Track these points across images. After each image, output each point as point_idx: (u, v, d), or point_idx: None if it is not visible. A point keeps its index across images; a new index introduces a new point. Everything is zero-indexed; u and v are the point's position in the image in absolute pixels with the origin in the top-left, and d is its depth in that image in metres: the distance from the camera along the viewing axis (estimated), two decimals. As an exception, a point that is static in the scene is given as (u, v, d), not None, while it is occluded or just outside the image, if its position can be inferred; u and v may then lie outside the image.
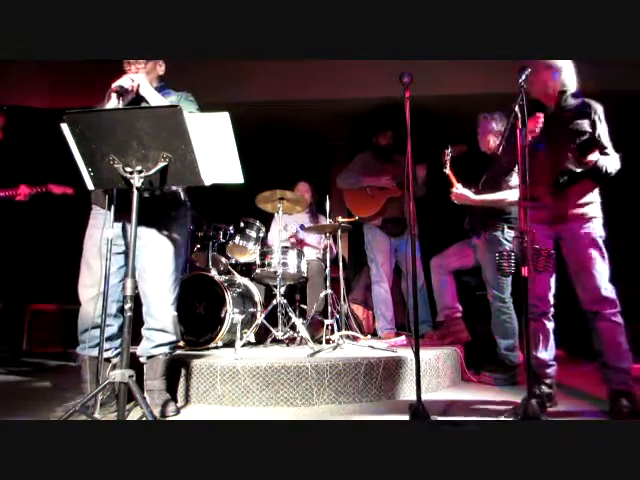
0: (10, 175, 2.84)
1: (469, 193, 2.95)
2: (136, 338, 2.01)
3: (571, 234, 2.16)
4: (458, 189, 2.97)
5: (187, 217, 2.28)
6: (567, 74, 2.21)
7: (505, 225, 2.94)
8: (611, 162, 2.10)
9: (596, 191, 2.20)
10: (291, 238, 4.01)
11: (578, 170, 2.12)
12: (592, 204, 2.17)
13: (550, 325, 2.22)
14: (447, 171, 3.11)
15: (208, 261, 3.52)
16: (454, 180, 3.04)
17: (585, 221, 2.15)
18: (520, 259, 1.87)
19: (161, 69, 2.21)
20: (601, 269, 2.11)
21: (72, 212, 2.88)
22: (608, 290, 2.10)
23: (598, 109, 2.18)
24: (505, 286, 3.00)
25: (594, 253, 2.12)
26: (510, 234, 2.89)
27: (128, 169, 1.68)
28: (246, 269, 3.92)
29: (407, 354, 2.57)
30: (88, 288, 2.06)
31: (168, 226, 2.15)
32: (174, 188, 2.13)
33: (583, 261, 2.12)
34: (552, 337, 2.23)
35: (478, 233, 3.12)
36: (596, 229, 2.14)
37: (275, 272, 3.24)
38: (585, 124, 2.15)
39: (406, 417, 1.82)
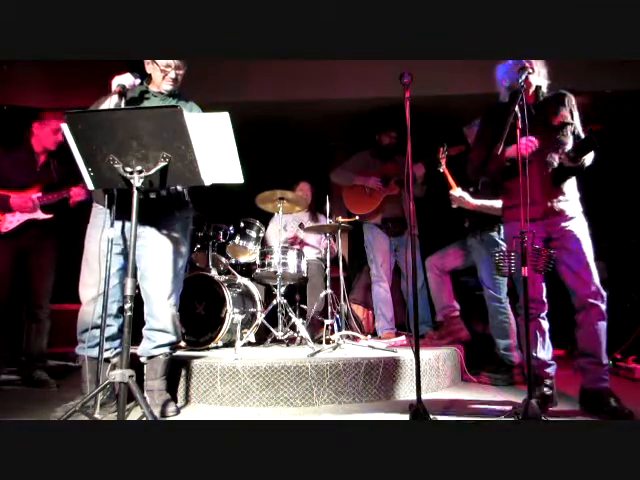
0: (71, 177, 2.89)
1: (467, 197, 2.96)
2: (136, 338, 2.01)
3: (565, 231, 2.17)
4: (457, 192, 2.98)
5: (190, 217, 2.29)
6: (541, 76, 2.25)
7: (501, 226, 2.94)
8: (590, 156, 2.17)
9: (576, 186, 2.26)
10: (290, 239, 4.01)
11: (568, 165, 2.16)
12: (576, 200, 2.24)
13: (545, 325, 2.23)
14: (442, 169, 3.11)
15: (208, 261, 3.52)
16: (453, 182, 3.04)
17: (575, 217, 2.19)
18: (520, 259, 1.87)
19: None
20: (593, 264, 2.15)
21: (72, 211, 2.88)
22: (599, 286, 2.13)
23: (572, 98, 2.27)
24: (501, 286, 3.01)
25: (589, 248, 2.16)
26: None
27: (128, 169, 1.68)
28: (246, 269, 3.92)
29: (407, 354, 2.57)
30: (89, 288, 2.06)
31: (172, 226, 2.15)
32: (179, 188, 2.14)
33: (581, 256, 2.14)
34: (548, 337, 2.24)
35: (474, 233, 3.13)
36: (584, 225, 2.20)
37: (275, 272, 3.24)
38: (566, 114, 2.23)
39: (406, 417, 1.82)
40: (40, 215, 2.83)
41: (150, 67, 2.15)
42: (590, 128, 2.14)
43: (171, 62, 2.10)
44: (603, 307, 2.11)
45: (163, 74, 2.12)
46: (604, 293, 2.12)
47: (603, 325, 2.11)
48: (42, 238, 2.88)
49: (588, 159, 2.18)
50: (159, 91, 2.17)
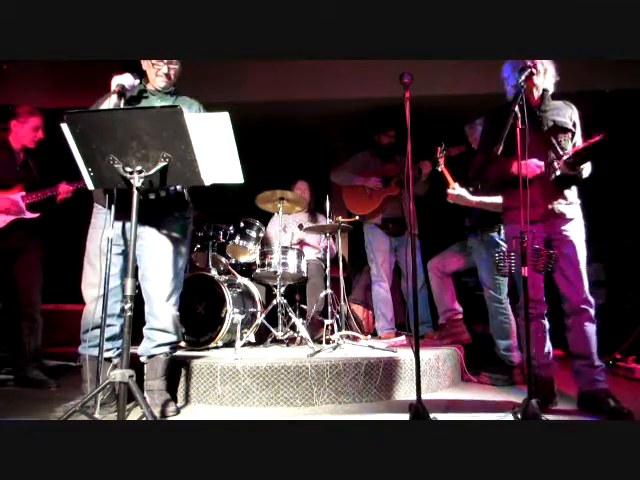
0: (52, 175, 2.89)
1: (466, 193, 2.94)
2: (137, 338, 2.01)
3: (563, 235, 2.19)
4: (455, 189, 2.96)
5: (190, 218, 2.29)
6: (548, 74, 2.25)
7: (501, 226, 2.94)
8: (588, 167, 2.20)
9: (576, 191, 2.27)
10: (296, 245, 3.99)
11: (566, 173, 2.17)
12: (577, 204, 2.25)
13: (546, 325, 2.24)
14: (440, 169, 3.11)
15: (208, 261, 3.52)
16: (451, 179, 3.03)
17: (574, 220, 2.21)
18: (520, 259, 1.88)
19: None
20: (585, 271, 2.17)
21: (72, 211, 2.88)
22: (588, 293, 2.16)
23: (576, 111, 2.29)
24: (502, 287, 3.01)
25: (583, 254, 2.18)
26: None
27: (128, 169, 1.68)
28: (246, 269, 3.92)
29: (407, 354, 2.57)
30: (92, 288, 2.06)
31: (172, 227, 2.15)
32: (179, 189, 2.14)
33: (575, 262, 2.16)
34: (548, 337, 2.24)
35: (475, 234, 3.13)
36: (582, 229, 2.22)
37: (275, 272, 3.24)
38: (569, 123, 2.25)
39: (406, 417, 1.82)
40: (27, 214, 2.79)
41: (145, 64, 2.15)
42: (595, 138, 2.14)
43: (165, 60, 2.09)
44: (592, 312, 2.14)
45: (156, 70, 2.11)
46: (592, 300, 2.16)
47: (593, 328, 2.14)
48: (28, 238, 2.85)
49: (586, 170, 2.20)
50: (156, 89, 2.17)
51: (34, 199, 2.79)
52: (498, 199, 2.82)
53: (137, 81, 2.05)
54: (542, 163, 2.17)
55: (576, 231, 2.19)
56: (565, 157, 2.16)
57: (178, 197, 2.16)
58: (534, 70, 2.10)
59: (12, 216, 2.76)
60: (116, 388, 1.77)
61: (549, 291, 2.25)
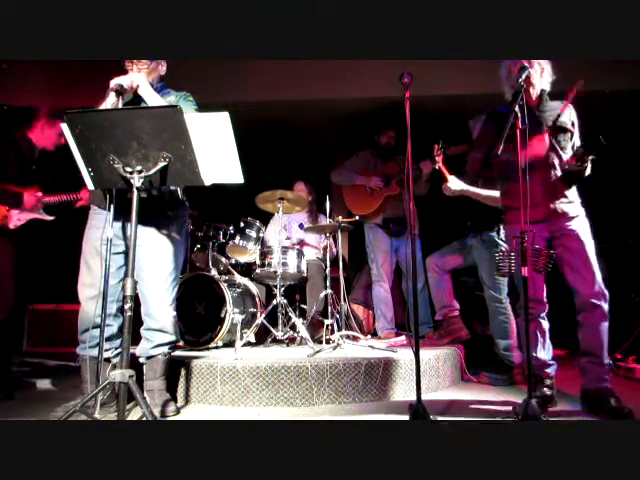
0: (63, 179, 2.88)
1: (462, 184, 2.91)
2: (136, 338, 2.01)
3: (567, 231, 2.17)
4: (452, 183, 2.93)
5: (185, 217, 2.28)
6: (545, 74, 2.25)
7: (501, 226, 2.93)
8: (589, 166, 2.18)
9: (576, 189, 2.27)
10: (287, 239, 4.02)
11: (571, 168, 2.16)
12: (578, 201, 2.24)
13: (546, 325, 2.23)
14: (437, 166, 3.09)
15: (208, 261, 3.52)
16: (446, 173, 3.00)
17: (577, 218, 2.19)
18: (520, 259, 1.87)
19: (162, 69, 2.20)
20: (596, 264, 2.14)
21: (71, 212, 2.88)
22: (602, 285, 2.13)
23: (574, 111, 2.28)
24: (502, 287, 3.01)
25: (591, 247, 2.16)
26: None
27: (128, 169, 1.68)
28: (246, 269, 3.92)
29: (407, 354, 2.57)
30: (87, 288, 2.07)
31: (165, 226, 2.14)
32: (172, 188, 2.13)
33: (584, 256, 2.14)
34: (548, 337, 2.24)
35: (475, 233, 3.13)
36: (587, 225, 2.20)
37: (275, 272, 3.25)
38: (568, 123, 2.24)
39: (406, 417, 1.82)
40: (45, 216, 2.79)
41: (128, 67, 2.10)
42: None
43: (131, 60, 2.05)
44: (606, 307, 2.10)
45: (128, 71, 2.05)
46: (607, 292, 2.11)
47: (605, 326, 2.10)
48: (37, 238, 2.84)
49: (588, 168, 2.18)
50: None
51: (50, 201, 2.79)
52: (493, 192, 2.79)
53: (137, 85, 2.00)
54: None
55: (581, 226, 2.18)
56: (574, 152, 2.17)
57: (171, 195, 2.15)
58: (531, 69, 2.10)
59: (31, 213, 2.74)
60: (116, 388, 1.77)
61: (550, 291, 2.24)
